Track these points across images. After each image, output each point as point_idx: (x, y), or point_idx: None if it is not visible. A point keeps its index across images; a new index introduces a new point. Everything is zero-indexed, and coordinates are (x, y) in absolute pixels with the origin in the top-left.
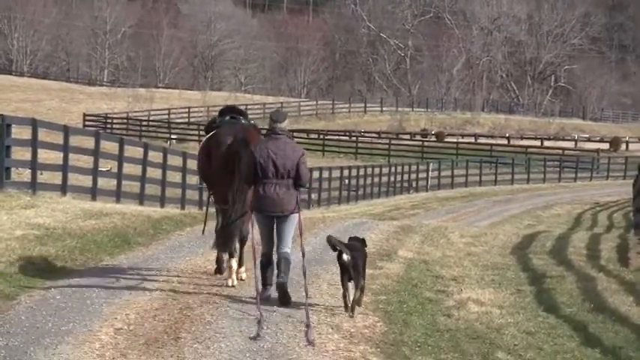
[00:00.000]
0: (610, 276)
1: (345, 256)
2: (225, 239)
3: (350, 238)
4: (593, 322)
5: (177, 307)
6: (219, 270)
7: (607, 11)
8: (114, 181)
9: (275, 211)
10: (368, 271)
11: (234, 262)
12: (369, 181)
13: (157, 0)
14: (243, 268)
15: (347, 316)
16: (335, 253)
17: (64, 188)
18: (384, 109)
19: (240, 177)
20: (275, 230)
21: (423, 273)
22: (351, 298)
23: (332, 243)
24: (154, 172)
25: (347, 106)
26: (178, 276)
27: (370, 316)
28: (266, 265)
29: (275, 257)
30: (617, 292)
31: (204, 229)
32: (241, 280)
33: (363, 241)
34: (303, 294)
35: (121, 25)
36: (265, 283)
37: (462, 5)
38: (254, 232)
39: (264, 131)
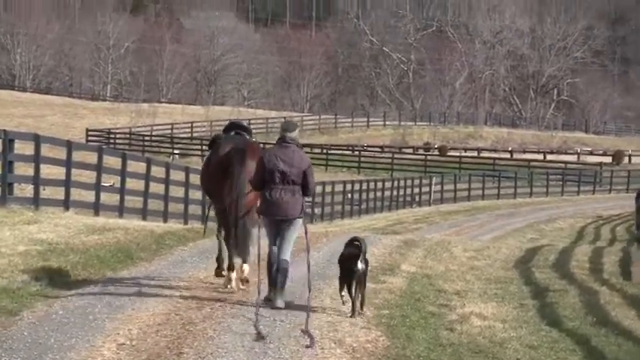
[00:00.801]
0: (613, 289)
1: (360, 265)
2: (240, 245)
3: (351, 239)
4: (595, 335)
5: (180, 322)
6: (219, 271)
7: (609, 24)
8: (117, 197)
9: (279, 214)
10: (371, 285)
11: (234, 275)
12: (371, 195)
13: (160, 15)
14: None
15: (349, 331)
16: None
17: (66, 203)
18: (386, 123)
19: (235, 184)
20: (279, 234)
21: (425, 287)
22: (357, 300)
23: (356, 245)
24: (156, 187)
25: (350, 120)
26: (181, 291)
27: (373, 331)
28: (272, 266)
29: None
30: (620, 305)
31: (204, 230)
32: (246, 281)
33: (362, 241)
34: (307, 305)
35: (124, 40)
36: (272, 285)
37: (464, 19)
38: (260, 243)
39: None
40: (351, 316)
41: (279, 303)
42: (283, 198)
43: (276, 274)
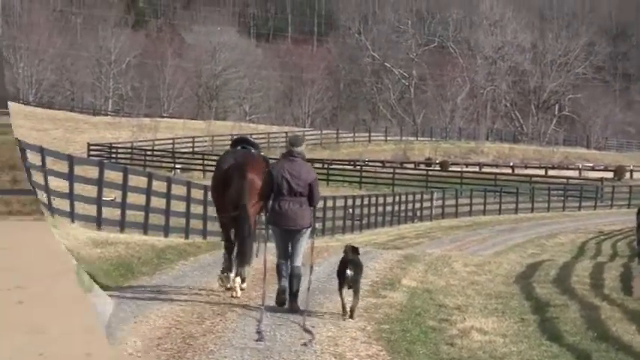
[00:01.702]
0: (613, 305)
1: (348, 272)
2: (244, 255)
3: (346, 246)
4: (596, 350)
5: (181, 336)
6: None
7: (611, 40)
8: (118, 211)
9: (289, 225)
10: (371, 299)
11: (238, 279)
12: (373, 210)
13: (162, 30)
14: (239, 279)
15: (350, 346)
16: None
17: (71, 216)
18: (388, 138)
19: (239, 195)
20: (290, 244)
21: (426, 302)
22: (350, 305)
23: (348, 256)
24: (158, 202)
25: (351, 135)
26: (182, 305)
27: (374, 345)
28: (280, 271)
29: (288, 270)
30: (621, 320)
31: None
32: (242, 289)
33: (356, 250)
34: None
35: (126, 55)
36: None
37: (466, 34)
38: (266, 255)
39: (272, 161)
40: (342, 314)
41: (286, 300)
42: (292, 209)
43: (291, 279)
